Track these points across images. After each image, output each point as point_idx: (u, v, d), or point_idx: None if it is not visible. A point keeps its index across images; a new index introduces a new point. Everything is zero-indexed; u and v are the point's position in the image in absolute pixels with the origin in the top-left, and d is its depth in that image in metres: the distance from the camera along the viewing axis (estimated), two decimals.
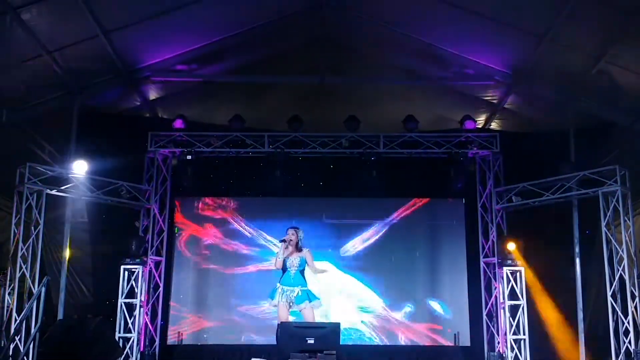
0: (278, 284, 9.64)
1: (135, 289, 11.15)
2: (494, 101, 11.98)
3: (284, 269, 9.57)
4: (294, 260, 9.53)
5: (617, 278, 10.21)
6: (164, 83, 11.61)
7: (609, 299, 10.26)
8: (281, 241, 9.56)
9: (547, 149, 11.45)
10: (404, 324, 12.03)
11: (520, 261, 11.23)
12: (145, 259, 11.32)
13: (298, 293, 9.49)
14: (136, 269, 11.17)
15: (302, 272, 9.61)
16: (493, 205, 11.68)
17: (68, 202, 11.07)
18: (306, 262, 9.59)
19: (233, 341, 11.86)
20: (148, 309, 11.49)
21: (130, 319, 11.04)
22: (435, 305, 12.09)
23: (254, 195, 12.45)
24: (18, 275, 9.93)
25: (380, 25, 10.74)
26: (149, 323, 11.46)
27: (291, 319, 9.53)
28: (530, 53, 10.25)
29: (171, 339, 11.88)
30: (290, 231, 9.63)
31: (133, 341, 10.99)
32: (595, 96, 10.71)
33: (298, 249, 9.62)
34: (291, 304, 9.50)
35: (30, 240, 10.12)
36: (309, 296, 9.56)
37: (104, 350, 7.79)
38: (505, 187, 11.58)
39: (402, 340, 11.97)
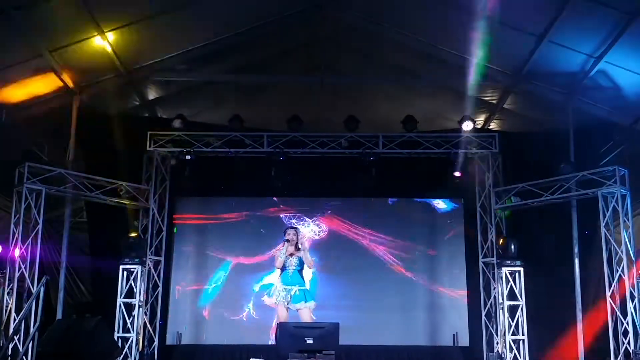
0: (276, 283, 9.69)
1: (134, 289, 11.14)
2: (493, 101, 11.98)
3: (283, 268, 9.63)
4: (292, 260, 9.61)
5: (616, 278, 10.21)
6: (163, 83, 11.60)
7: (608, 299, 10.26)
8: (285, 241, 9.61)
9: (546, 149, 11.46)
10: (402, 323, 12.03)
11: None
12: (144, 258, 11.30)
13: (296, 292, 9.58)
14: (135, 268, 11.16)
15: (299, 271, 9.67)
16: (492, 206, 11.67)
17: (67, 201, 11.07)
18: (304, 262, 9.68)
19: (232, 341, 11.84)
20: (147, 309, 11.47)
21: (129, 319, 11.04)
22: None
23: (253, 195, 12.43)
24: (17, 275, 9.92)
25: (380, 25, 10.74)
26: (147, 323, 11.45)
27: (306, 317, 9.53)
28: (530, 53, 10.25)
29: (170, 338, 11.86)
30: (291, 231, 9.72)
31: (132, 341, 10.98)
32: (594, 96, 10.71)
33: (297, 248, 9.70)
34: (288, 302, 9.55)
35: (29, 239, 10.12)
36: (306, 296, 9.63)
37: (102, 349, 7.79)
38: (504, 188, 11.57)
39: (401, 340, 11.95)
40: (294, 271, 9.57)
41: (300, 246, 9.77)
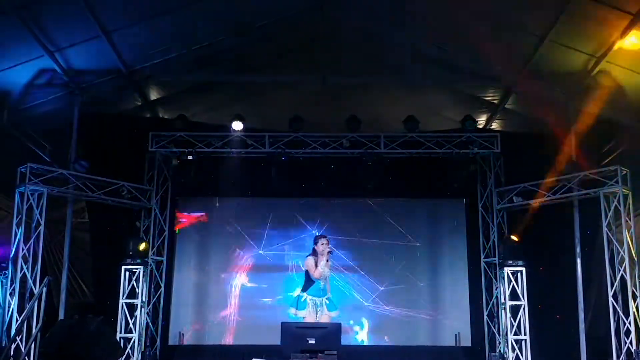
0: (305, 294, 9.76)
1: (136, 289, 11.15)
2: (495, 101, 11.98)
3: (314, 279, 9.71)
4: (325, 271, 9.73)
5: (618, 278, 10.21)
6: (165, 83, 11.60)
7: (610, 299, 10.26)
8: (326, 252, 9.70)
9: (548, 149, 11.45)
10: (404, 323, 12.02)
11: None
12: (146, 259, 11.31)
13: (325, 302, 9.70)
14: (137, 269, 11.17)
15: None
16: (494, 206, 11.68)
17: (69, 202, 11.08)
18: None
19: (234, 341, 11.86)
20: (149, 309, 11.48)
21: (131, 319, 11.04)
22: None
23: (255, 196, 12.44)
24: (19, 275, 9.93)
25: (381, 25, 10.74)
26: (150, 323, 11.46)
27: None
28: (531, 53, 10.25)
29: (172, 339, 11.87)
30: (324, 240, 9.77)
31: (134, 341, 10.99)
32: (596, 96, 10.69)
33: (327, 259, 9.83)
34: (320, 313, 9.66)
35: (31, 240, 10.13)
36: (336, 305, 9.83)
37: (105, 350, 7.78)
38: (506, 188, 11.57)
39: (403, 340, 11.95)
40: (325, 283, 9.70)
41: (328, 258, 9.89)
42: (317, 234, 11.55)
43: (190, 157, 11.45)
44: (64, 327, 8.05)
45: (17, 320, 9.69)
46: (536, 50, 10.09)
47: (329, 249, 9.70)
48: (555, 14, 9.23)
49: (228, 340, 11.91)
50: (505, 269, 11.18)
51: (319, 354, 8.12)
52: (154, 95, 12.01)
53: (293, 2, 10.56)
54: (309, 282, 9.74)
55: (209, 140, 11.68)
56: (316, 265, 10.18)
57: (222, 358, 11.70)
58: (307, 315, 9.66)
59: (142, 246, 11.16)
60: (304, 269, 11.09)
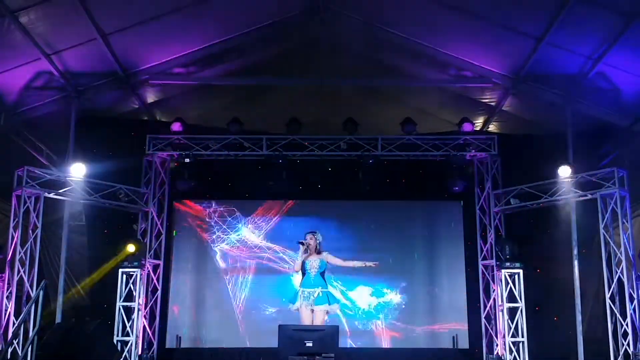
0: (300, 288, 9.80)
1: (134, 292, 11.13)
2: (492, 103, 11.98)
3: (304, 272, 9.75)
4: (313, 262, 9.80)
5: (615, 280, 10.21)
6: (162, 86, 11.60)
7: (608, 301, 10.26)
8: (298, 243, 9.76)
9: (545, 151, 11.46)
10: (402, 326, 12.02)
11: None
12: (143, 262, 11.29)
13: (319, 294, 9.74)
14: (134, 272, 11.15)
15: (322, 274, 9.84)
16: (491, 208, 11.68)
17: (66, 205, 11.06)
18: (327, 264, 9.82)
19: (231, 344, 11.83)
20: (146, 312, 11.46)
21: (128, 323, 11.02)
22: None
23: (252, 198, 12.43)
24: (16, 278, 9.91)
25: (379, 27, 10.74)
26: (147, 326, 11.44)
27: (320, 318, 9.62)
28: (529, 55, 10.26)
29: (169, 342, 11.84)
30: (309, 236, 9.92)
31: (131, 344, 10.96)
32: (593, 98, 10.72)
33: (317, 252, 9.87)
34: (312, 305, 9.66)
35: (28, 243, 10.13)
36: (329, 298, 9.80)
37: (102, 353, 7.78)
38: (504, 190, 11.57)
39: (401, 343, 11.94)
40: (315, 274, 9.75)
41: (321, 250, 9.95)
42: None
43: (187, 160, 11.44)
44: (61, 331, 8.06)
45: (14, 324, 9.67)
46: (533, 52, 10.10)
47: (302, 241, 9.82)
48: (552, 16, 9.25)
49: (225, 343, 11.88)
50: (503, 271, 11.18)
51: (316, 357, 8.11)
52: (151, 98, 12.00)
53: (291, 5, 10.56)
54: (302, 276, 9.82)
55: (206, 143, 11.67)
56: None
57: None
58: (301, 307, 9.67)
59: (136, 248, 11.12)
60: None
